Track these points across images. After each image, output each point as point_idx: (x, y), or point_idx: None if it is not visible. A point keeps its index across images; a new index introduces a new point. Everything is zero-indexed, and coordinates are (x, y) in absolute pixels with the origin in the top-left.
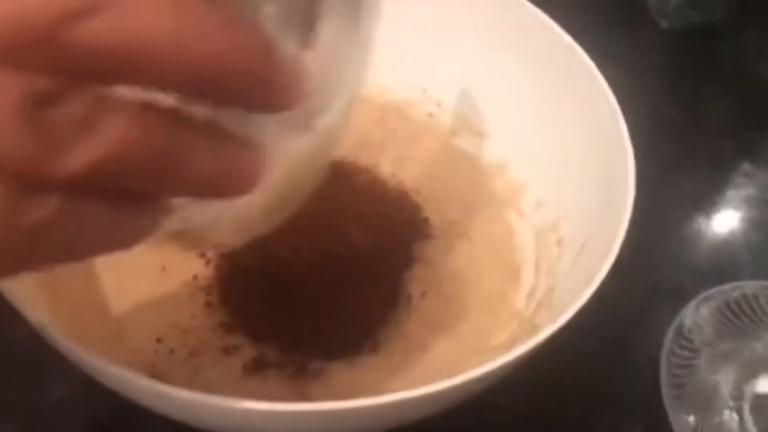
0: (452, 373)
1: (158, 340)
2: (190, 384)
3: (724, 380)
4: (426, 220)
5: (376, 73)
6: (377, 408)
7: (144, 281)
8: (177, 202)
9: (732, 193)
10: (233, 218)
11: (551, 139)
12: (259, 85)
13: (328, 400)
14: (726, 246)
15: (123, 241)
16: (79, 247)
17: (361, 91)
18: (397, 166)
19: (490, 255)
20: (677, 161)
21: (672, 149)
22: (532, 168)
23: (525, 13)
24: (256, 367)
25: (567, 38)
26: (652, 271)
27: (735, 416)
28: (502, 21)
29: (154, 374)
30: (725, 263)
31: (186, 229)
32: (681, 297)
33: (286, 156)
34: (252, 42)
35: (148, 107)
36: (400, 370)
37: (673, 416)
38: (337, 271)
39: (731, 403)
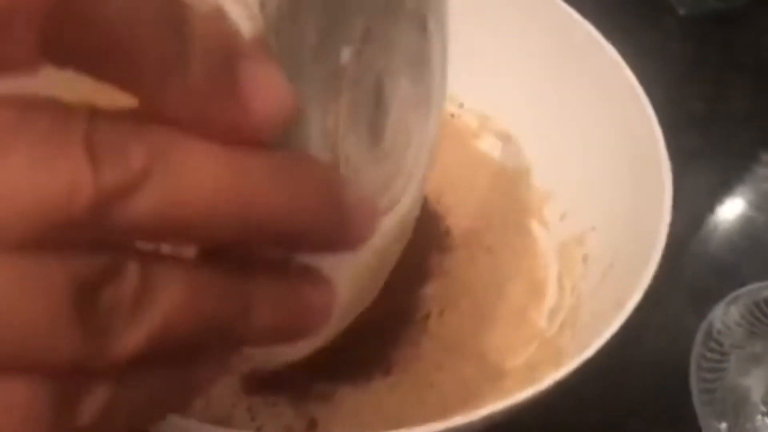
0: (468, 399)
1: None
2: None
3: (756, 384)
4: (447, 230)
5: None
6: None
7: None
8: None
9: (755, 185)
10: None
11: (578, 145)
12: (331, 233)
13: (337, 425)
14: (751, 241)
15: (192, 394)
16: (143, 417)
17: None
18: None
19: (512, 269)
20: (697, 152)
21: (693, 140)
22: (558, 175)
23: (550, 6)
24: (257, 386)
25: (596, 34)
26: (676, 271)
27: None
28: (525, 16)
29: None
30: (751, 260)
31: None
32: (708, 297)
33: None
34: (320, 189)
35: (202, 261)
36: (414, 393)
37: (703, 423)
38: None
39: (763, 409)
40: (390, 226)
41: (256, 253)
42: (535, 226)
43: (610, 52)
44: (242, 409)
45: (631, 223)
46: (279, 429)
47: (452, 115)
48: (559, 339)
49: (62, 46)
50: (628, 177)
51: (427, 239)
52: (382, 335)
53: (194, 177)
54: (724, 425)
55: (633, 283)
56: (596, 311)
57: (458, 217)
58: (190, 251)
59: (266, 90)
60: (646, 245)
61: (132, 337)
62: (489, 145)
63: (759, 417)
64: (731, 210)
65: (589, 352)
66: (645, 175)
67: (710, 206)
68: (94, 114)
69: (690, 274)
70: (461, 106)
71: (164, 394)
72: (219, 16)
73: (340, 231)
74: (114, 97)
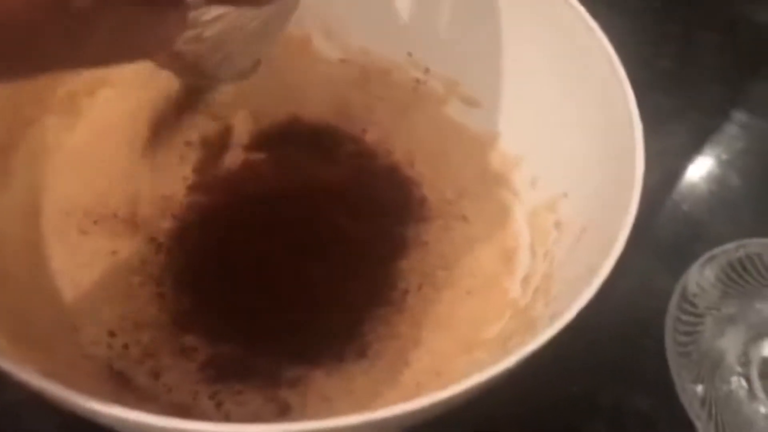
0: (441, 374)
1: (111, 334)
2: (153, 388)
3: (731, 345)
4: (423, 199)
5: (353, 31)
6: (363, 425)
7: (95, 267)
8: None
9: (727, 144)
10: (229, 44)
11: (548, 108)
12: None
13: (309, 410)
14: (724, 201)
15: (154, 42)
16: (119, 44)
17: (337, 52)
18: (387, 135)
19: (484, 238)
20: (669, 112)
21: (663, 100)
22: (527, 140)
23: None
24: (220, 373)
25: None
26: (649, 233)
27: (744, 384)
28: None
29: (111, 372)
30: (724, 220)
31: (188, 51)
32: (682, 258)
33: None
34: None
35: None
36: (388, 373)
37: (680, 387)
38: (318, 260)
39: (739, 369)
40: None
41: None
42: (505, 193)
43: (579, 11)
44: (205, 397)
45: (603, 187)
46: (247, 416)
47: (418, 81)
48: (532, 307)
49: None
50: (600, 140)
51: (403, 210)
52: (357, 314)
53: None
54: (700, 388)
55: (606, 247)
56: (569, 277)
57: (432, 185)
58: None
59: None
60: (618, 208)
61: None
62: (457, 111)
63: (734, 378)
64: (704, 170)
65: (561, 323)
66: (616, 138)
67: (682, 166)
68: None
69: (663, 236)
70: (427, 71)
71: (134, 27)
72: None
73: None
74: None
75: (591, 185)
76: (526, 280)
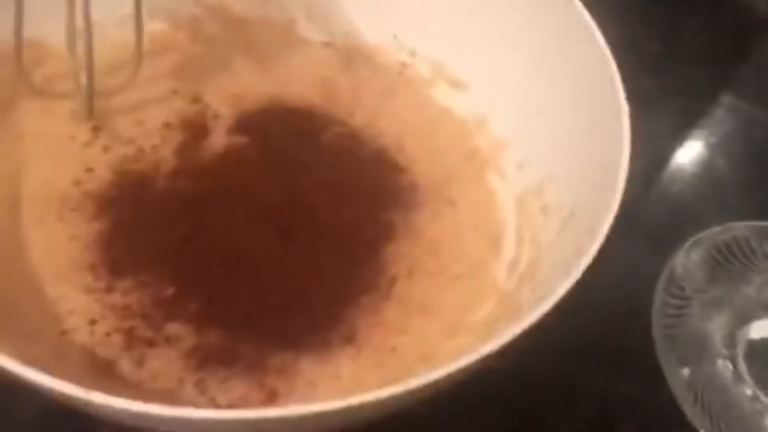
0: (428, 359)
1: (92, 322)
2: (137, 375)
3: (717, 328)
4: (412, 184)
5: (337, 13)
6: (346, 410)
7: (73, 254)
8: None
9: (714, 128)
10: None
11: (535, 91)
12: None
13: (296, 396)
14: (711, 184)
15: None
16: None
17: (321, 35)
18: (374, 118)
19: (472, 222)
20: (655, 96)
21: (650, 83)
22: (514, 123)
23: None
24: (205, 360)
25: None
26: (636, 216)
27: (729, 365)
28: None
29: (94, 360)
30: (711, 203)
31: None
32: (669, 241)
33: None
34: None
35: None
36: (375, 359)
37: (667, 370)
38: (305, 247)
39: (725, 351)
40: None
41: None
42: (492, 177)
43: None
44: (190, 384)
45: (590, 170)
46: (234, 402)
47: (404, 64)
48: (518, 292)
49: None
50: (586, 123)
51: (392, 195)
52: (344, 301)
53: None
54: (686, 370)
55: (593, 231)
56: (556, 262)
57: (420, 170)
58: None
59: None
60: (605, 192)
61: None
62: (443, 94)
63: (720, 361)
64: (691, 153)
65: (546, 306)
66: (603, 121)
67: (669, 150)
68: None
69: (650, 219)
70: (413, 54)
71: None
72: None
73: None
74: None
75: (578, 168)
76: (512, 265)
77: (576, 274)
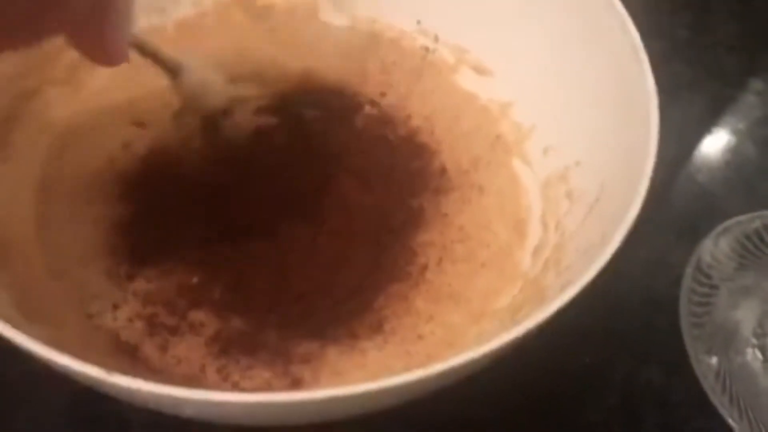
0: (453, 345)
1: (115, 307)
2: (162, 360)
3: (746, 317)
4: (443, 168)
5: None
6: (370, 394)
7: (98, 238)
8: None
9: (743, 114)
10: None
11: (561, 76)
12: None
13: (321, 383)
14: (740, 171)
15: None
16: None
17: (344, 20)
18: (404, 99)
19: (498, 208)
20: (685, 82)
21: (679, 69)
22: (540, 109)
23: None
24: (226, 346)
25: None
26: (663, 204)
27: (759, 355)
28: None
29: (119, 344)
30: (740, 190)
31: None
32: (697, 229)
33: None
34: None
35: None
36: (401, 347)
37: (694, 358)
38: (333, 234)
39: (754, 341)
40: None
41: None
42: (517, 163)
43: None
44: (212, 370)
45: (617, 156)
46: (257, 386)
47: (427, 49)
48: (542, 279)
49: None
50: (614, 108)
51: (422, 180)
52: (372, 291)
53: None
54: (714, 360)
55: (618, 218)
56: (581, 248)
57: (448, 155)
58: None
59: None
60: (632, 179)
61: None
62: (468, 80)
63: (749, 350)
64: (720, 140)
65: (571, 292)
66: (631, 107)
67: (698, 136)
68: None
69: (678, 207)
70: (436, 39)
71: None
72: None
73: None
74: None
75: (604, 154)
76: (537, 251)
77: (601, 261)
